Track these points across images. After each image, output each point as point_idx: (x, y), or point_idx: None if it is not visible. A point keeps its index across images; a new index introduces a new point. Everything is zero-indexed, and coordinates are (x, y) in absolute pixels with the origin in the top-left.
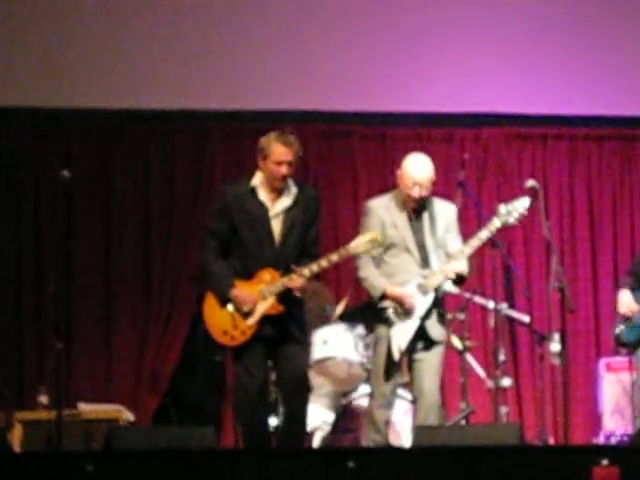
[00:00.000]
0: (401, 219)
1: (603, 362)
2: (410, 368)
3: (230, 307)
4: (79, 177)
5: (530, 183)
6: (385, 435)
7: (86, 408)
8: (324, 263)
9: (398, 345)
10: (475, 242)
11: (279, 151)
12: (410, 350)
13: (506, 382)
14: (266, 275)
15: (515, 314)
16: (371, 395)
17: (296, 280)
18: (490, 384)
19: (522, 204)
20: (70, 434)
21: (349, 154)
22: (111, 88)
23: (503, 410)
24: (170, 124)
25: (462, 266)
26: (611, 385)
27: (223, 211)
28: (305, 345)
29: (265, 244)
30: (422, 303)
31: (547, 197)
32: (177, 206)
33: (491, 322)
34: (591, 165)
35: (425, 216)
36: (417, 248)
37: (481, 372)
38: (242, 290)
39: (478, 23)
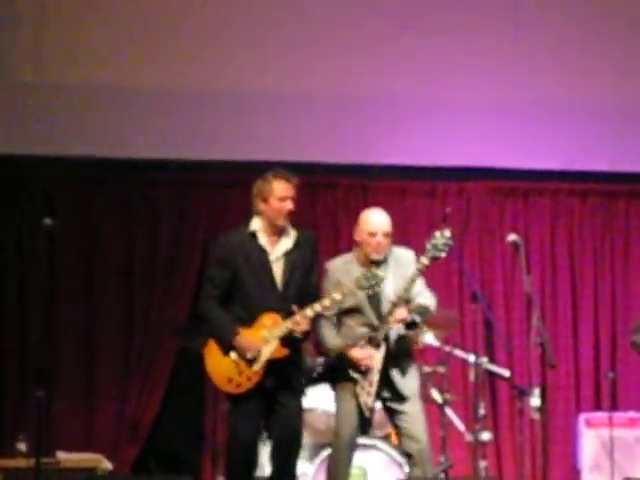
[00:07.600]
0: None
1: (583, 417)
2: (394, 421)
3: (233, 355)
4: (62, 225)
5: (512, 237)
6: None
7: (65, 457)
8: (327, 302)
9: (365, 402)
10: (407, 285)
11: (282, 187)
12: (385, 400)
13: (485, 436)
14: (267, 320)
15: (495, 368)
16: (332, 454)
17: (300, 322)
18: (469, 438)
19: (445, 235)
20: None
21: (332, 206)
22: (95, 137)
23: (482, 464)
24: (154, 173)
25: (404, 312)
26: (590, 441)
27: (224, 259)
28: (302, 397)
29: (267, 289)
30: (377, 357)
31: (529, 252)
32: (160, 255)
33: (471, 376)
34: (573, 220)
35: (385, 269)
36: (372, 310)
37: (460, 426)
38: (245, 337)
39: (461, 78)
